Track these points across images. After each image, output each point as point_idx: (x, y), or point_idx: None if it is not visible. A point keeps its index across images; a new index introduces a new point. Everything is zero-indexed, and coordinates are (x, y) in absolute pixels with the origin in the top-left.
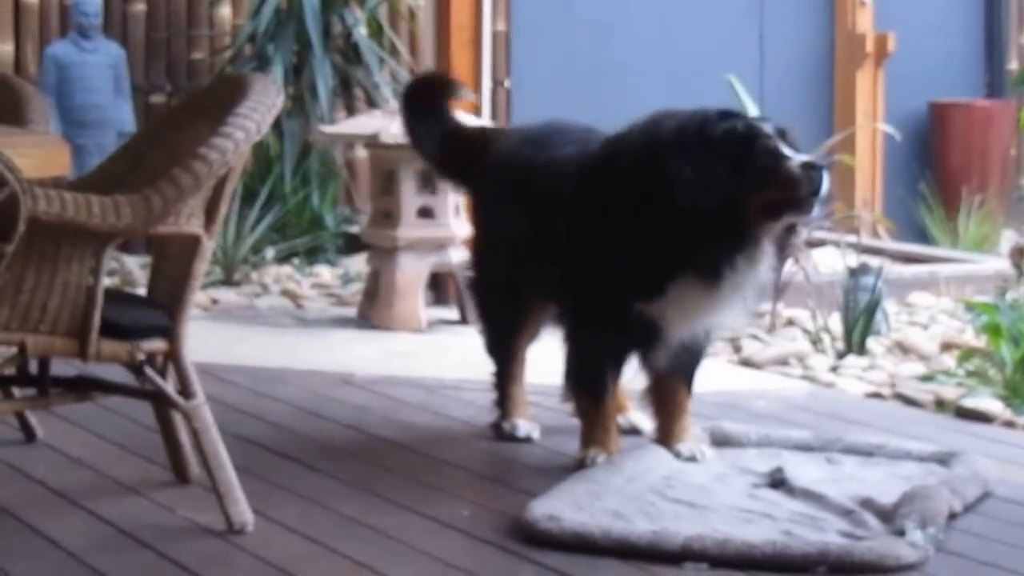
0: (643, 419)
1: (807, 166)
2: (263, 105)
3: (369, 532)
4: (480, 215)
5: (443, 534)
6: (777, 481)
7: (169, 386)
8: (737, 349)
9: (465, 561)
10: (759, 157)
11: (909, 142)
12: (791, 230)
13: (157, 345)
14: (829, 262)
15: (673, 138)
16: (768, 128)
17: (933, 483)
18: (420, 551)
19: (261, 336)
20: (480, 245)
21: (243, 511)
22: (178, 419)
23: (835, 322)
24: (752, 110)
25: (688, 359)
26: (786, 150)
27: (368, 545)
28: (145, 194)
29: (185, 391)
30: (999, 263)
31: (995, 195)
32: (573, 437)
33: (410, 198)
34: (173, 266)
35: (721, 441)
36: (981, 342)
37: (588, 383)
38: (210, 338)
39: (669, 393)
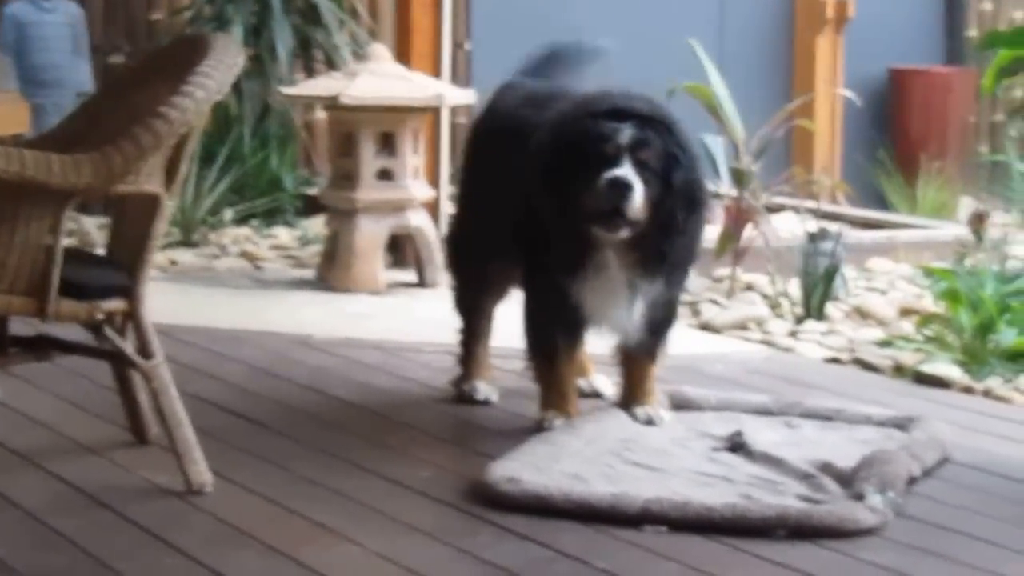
0: (605, 383)
1: (613, 184)
2: (224, 64)
3: (328, 493)
4: (463, 172)
5: (402, 495)
6: (736, 445)
7: (128, 346)
8: (696, 313)
9: (425, 523)
10: (586, 167)
11: (868, 108)
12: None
13: (116, 304)
14: (788, 227)
15: (544, 129)
16: (624, 137)
17: (892, 448)
18: (379, 512)
19: (219, 297)
20: (459, 202)
21: (202, 472)
22: (137, 379)
23: (794, 287)
24: (713, 75)
25: (651, 328)
26: (615, 163)
27: (327, 506)
28: (105, 152)
29: (144, 351)
30: (957, 229)
31: (954, 162)
32: (533, 400)
33: (369, 160)
34: (132, 225)
35: (681, 405)
36: (939, 308)
37: (542, 347)
38: (168, 299)
39: (634, 359)
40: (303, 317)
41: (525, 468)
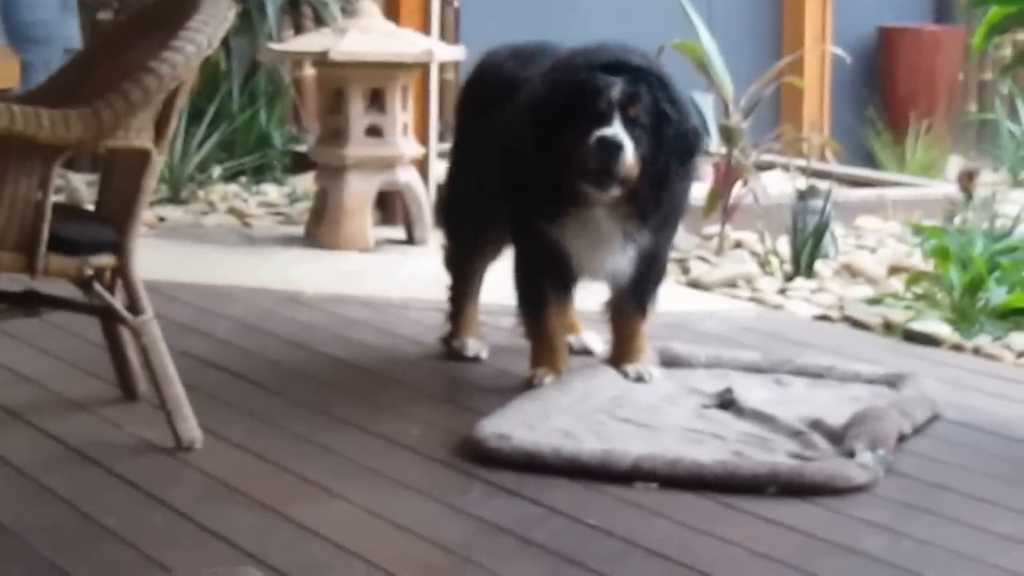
0: (595, 340)
1: (603, 143)
2: (214, 19)
3: (318, 450)
4: (455, 131)
5: (392, 452)
6: (726, 402)
7: (117, 301)
8: (685, 271)
9: (415, 479)
10: (577, 123)
11: (857, 66)
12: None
13: (105, 260)
14: (777, 185)
15: (535, 82)
16: (615, 92)
17: (883, 405)
18: (369, 469)
19: (208, 254)
20: (451, 161)
21: (191, 428)
22: (126, 335)
23: (783, 245)
24: (702, 32)
25: (641, 283)
26: (606, 120)
27: (317, 463)
28: (95, 107)
29: (133, 307)
30: (946, 187)
31: (942, 120)
32: (523, 357)
33: (358, 117)
34: (122, 181)
35: (671, 362)
36: (929, 266)
37: (531, 304)
38: (157, 256)
39: (623, 315)
40: (292, 274)
41: (515, 425)
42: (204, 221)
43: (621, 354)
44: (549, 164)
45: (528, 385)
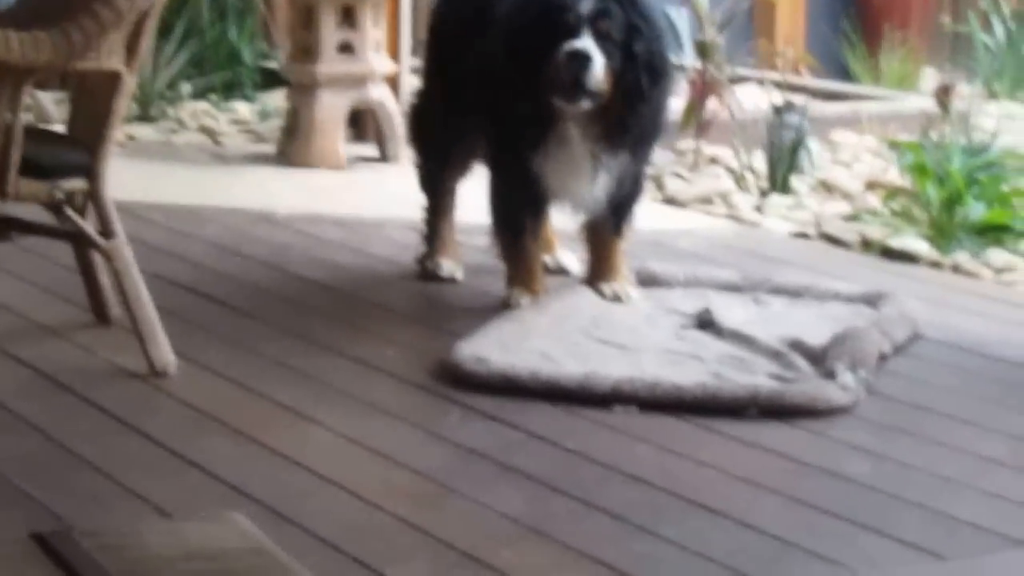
0: (571, 259)
1: (572, 55)
2: None
3: (293, 374)
4: (427, 47)
5: (369, 376)
6: (705, 322)
7: (89, 225)
8: (660, 187)
9: (392, 404)
10: (546, 38)
11: None
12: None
13: (77, 184)
14: (752, 99)
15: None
16: (584, 6)
17: (863, 325)
18: (346, 393)
19: (179, 173)
20: (424, 78)
21: (165, 354)
22: (98, 259)
23: (758, 160)
24: None
25: (616, 202)
26: (575, 34)
27: (293, 388)
28: (65, 28)
29: (106, 231)
30: (922, 101)
31: (917, 33)
32: (500, 277)
33: (330, 33)
34: (94, 103)
35: (648, 281)
36: (905, 181)
37: (506, 224)
38: (127, 175)
39: (600, 235)
40: (264, 193)
41: (493, 347)
42: (174, 139)
43: (598, 273)
44: (523, 83)
45: (505, 306)
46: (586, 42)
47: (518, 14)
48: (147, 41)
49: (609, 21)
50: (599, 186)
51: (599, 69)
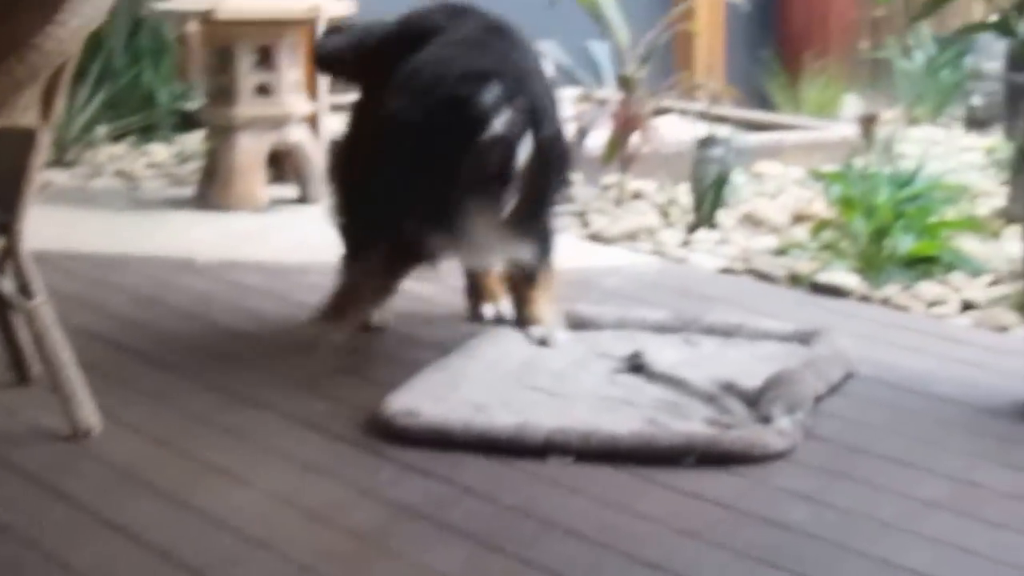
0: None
1: (494, 142)
2: None
3: (220, 431)
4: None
5: (298, 431)
6: (636, 366)
7: (7, 283)
8: (585, 224)
9: (323, 461)
10: (451, 135)
11: (751, 9)
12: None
13: None
14: (673, 130)
15: (401, 106)
16: (489, 96)
17: (796, 365)
18: (275, 451)
19: (97, 220)
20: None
21: (89, 414)
22: (17, 317)
23: (683, 193)
24: None
25: (529, 261)
26: (486, 125)
27: (220, 446)
28: None
29: (24, 289)
30: (844, 129)
31: (836, 60)
32: (429, 324)
33: (246, 75)
34: (9, 159)
35: (578, 324)
36: (831, 212)
37: (362, 272)
38: (43, 223)
39: (519, 280)
40: (185, 239)
41: (423, 399)
42: (91, 185)
43: (522, 318)
44: (430, 185)
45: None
46: (504, 127)
47: (413, 109)
48: (62, 96)
49: (514, 107)
50: (498, 256)
51: (525, 154)
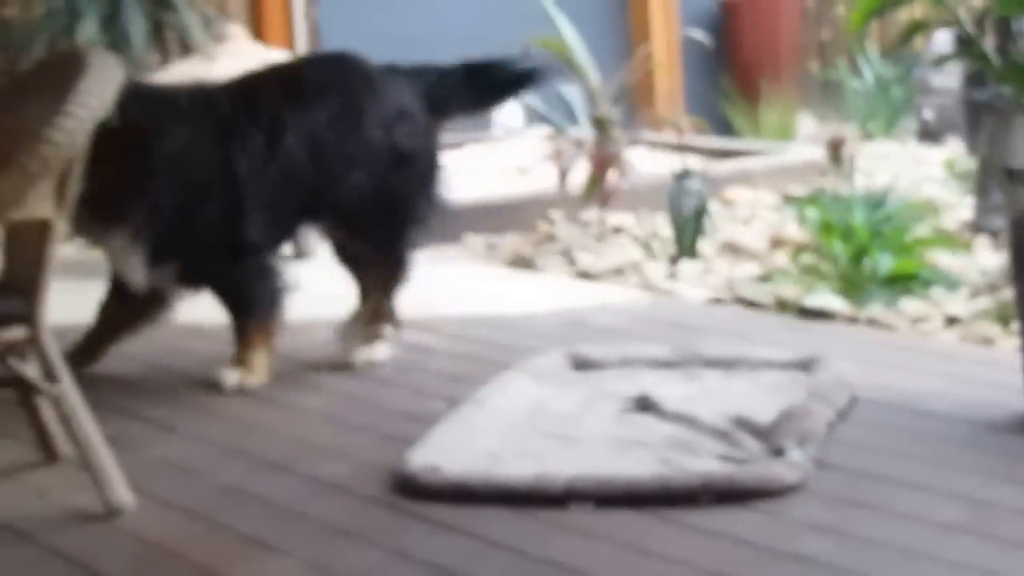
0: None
1: None
2: (104, 80)
3: (250, 499)
4: None
5: (325, 495)
6: (645, 405)
7: (31, 369)
8: (572, 262)
9: (352, 523)
10: None
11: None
12: None
13: (16, 333)
14: (643, 162)
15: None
16: None
17: (804, 395)
18: (305, 516)
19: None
20: None
21: (121, 492)
22: (43, 399)
23: (662, 225)
24: (564, 26)
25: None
26: None
27: (250, 514)
28: None
29: (49, 374)
30: (808, 151)
31: (788, 82)
32: (431, 376)
33: None
34: (26, 250)
35: (581, 365)
36: (807, 236)
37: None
38: (54, 297)
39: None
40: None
41: (441, 453)
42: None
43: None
44: None
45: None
46: None
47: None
48: (75, 185)
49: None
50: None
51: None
